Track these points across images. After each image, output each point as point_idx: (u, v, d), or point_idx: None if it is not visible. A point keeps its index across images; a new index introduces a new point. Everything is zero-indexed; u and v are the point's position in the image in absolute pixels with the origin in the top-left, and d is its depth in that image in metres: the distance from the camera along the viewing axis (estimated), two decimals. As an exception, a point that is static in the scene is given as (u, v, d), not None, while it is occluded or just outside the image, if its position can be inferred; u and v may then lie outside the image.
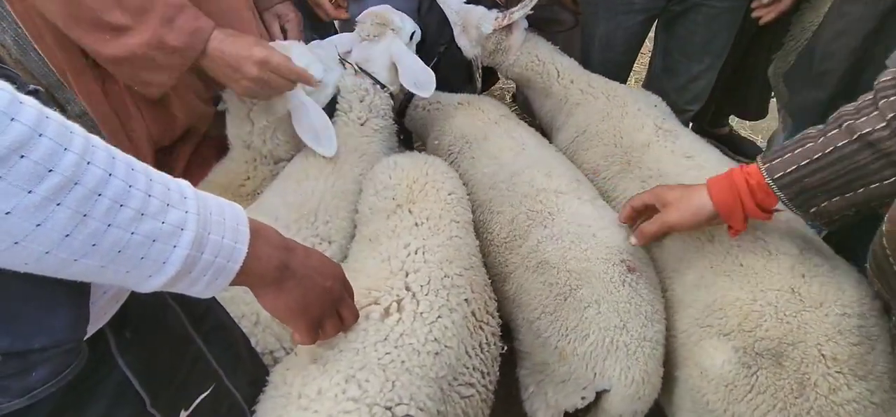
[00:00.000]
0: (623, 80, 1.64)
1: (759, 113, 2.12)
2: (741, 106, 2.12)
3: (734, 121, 2.43)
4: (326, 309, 0.73)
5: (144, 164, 0.51)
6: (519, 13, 1.40)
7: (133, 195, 0.48)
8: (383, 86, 1.33)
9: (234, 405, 0.77)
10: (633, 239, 1.08)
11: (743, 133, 2.47)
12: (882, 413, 0.85)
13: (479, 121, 1.40)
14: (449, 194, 1.14)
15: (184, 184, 0.55)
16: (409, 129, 1.66)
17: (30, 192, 0.41)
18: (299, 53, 1.23)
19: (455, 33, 1.49)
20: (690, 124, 1.98)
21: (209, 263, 0.55)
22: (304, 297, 0.67)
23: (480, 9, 1.46)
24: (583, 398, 1.00)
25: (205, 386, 0.71)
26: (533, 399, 1.09)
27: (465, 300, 0.98)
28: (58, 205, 0.43)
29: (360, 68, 1.31)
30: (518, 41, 1.46)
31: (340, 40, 1.37)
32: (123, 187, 0.47)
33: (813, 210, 0.89)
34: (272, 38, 1.39)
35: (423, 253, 0.99)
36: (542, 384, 1.07)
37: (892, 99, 0.77)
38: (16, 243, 0.42)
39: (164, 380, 0.65)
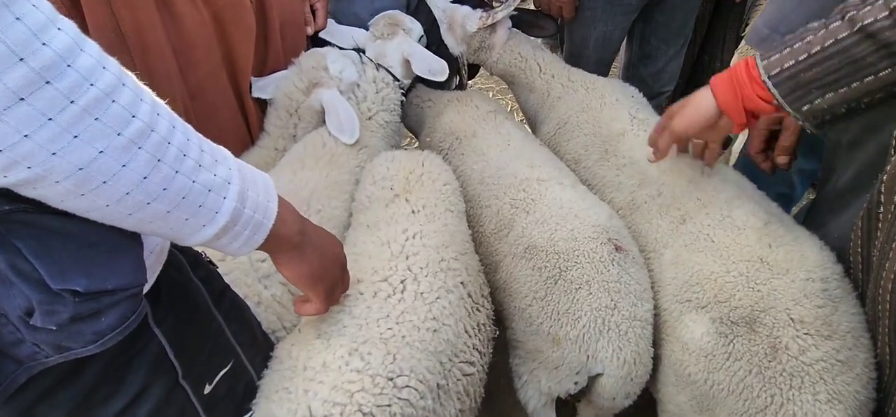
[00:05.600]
0: (606, 75, 1.73)
1: None
2: None
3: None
4: (338, 275, 0.76)
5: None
6: (502, 13, 1.47)
7: (191, 146, 0.52)
8: (397, 80, 1.42)
9: (249, 382, 0.79)
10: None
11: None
12: (848, 370, 0.91)
13: (468, 117, 1.45)
14: (444, 185, 1.19)
15: (218, 145, 0.59)
16: (404, 127, 1.71)
17: (119, 134, 0.45)
18: (334, 59, 1.34)
19: (441, 31, 1.54)
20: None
21: (249, 218, 0.58)
22: (321, 264, 0.70)
23: (466, 8, 1.52)
24: (576, 383, 1.04)
25: (225, 362, 0.73)
26: (526, 387, 1.12)
27: (461, 282, 1.02)
28: (139, 148, 0.47)
29: (378, 64, 1.39)
30: (501, 39, 1.52)
31: (355, 34, 1.46)
32: (183, 138, 0.51)
33: (806, 108, 0.87)
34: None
35: (421, 239, 1.03)
36: (536, 371, 1.09)
37: None
38: (104, 182, 0.45)
39: (192, 353, 0.67)
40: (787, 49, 0.87)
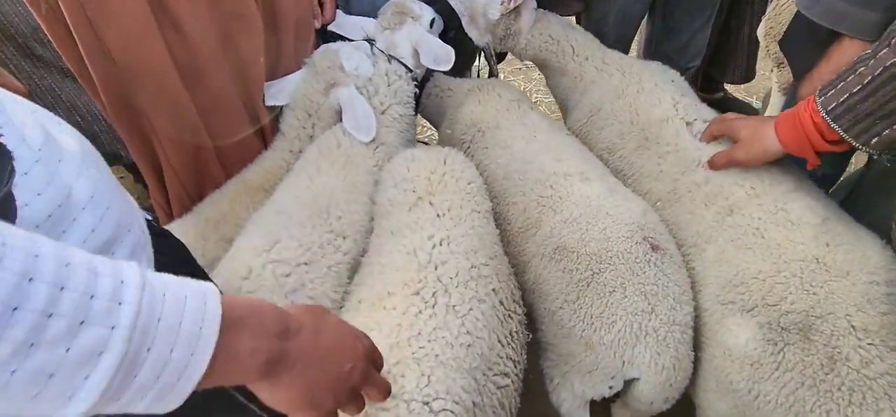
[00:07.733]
0: (626, 52, 1.64)
1: (746, 76, 2.07)
2: (728, 70, 2.07)
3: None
4: (342, 395, 0.58)
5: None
6: (523, -5, 1.38)
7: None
8: (410, 71, 1.37)
9: None
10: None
11: (738, 96, 2.41)
12: (916, 385, 0.84)
13: (490, 107, 1.39)
14: (468, 184, 1.14)
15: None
16: (424, 118, 1.65)
17: None
18: (348, 55, 1.30)
19: (463, 23, 1.46)
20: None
21: (157, 364, 0.43)
22: (309, 389, 0.54)
23: (485, -6, 1.43)
24: (611, 387, 1.00)
25: None
26: (559, 390, 1.09)
27: (493, 289, 0.98)
28: None
29: (390, 55, 1.35)
30: (528, 23, 1.43)
31: (364, 24, 1.40)
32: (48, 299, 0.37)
33: (874, 140, 0.88)
34: None
35: (449, 245, 0.99)
36: (568, 375, 1.06)
37: None
38: None
39: None
40: (842, 83, 0.89)
